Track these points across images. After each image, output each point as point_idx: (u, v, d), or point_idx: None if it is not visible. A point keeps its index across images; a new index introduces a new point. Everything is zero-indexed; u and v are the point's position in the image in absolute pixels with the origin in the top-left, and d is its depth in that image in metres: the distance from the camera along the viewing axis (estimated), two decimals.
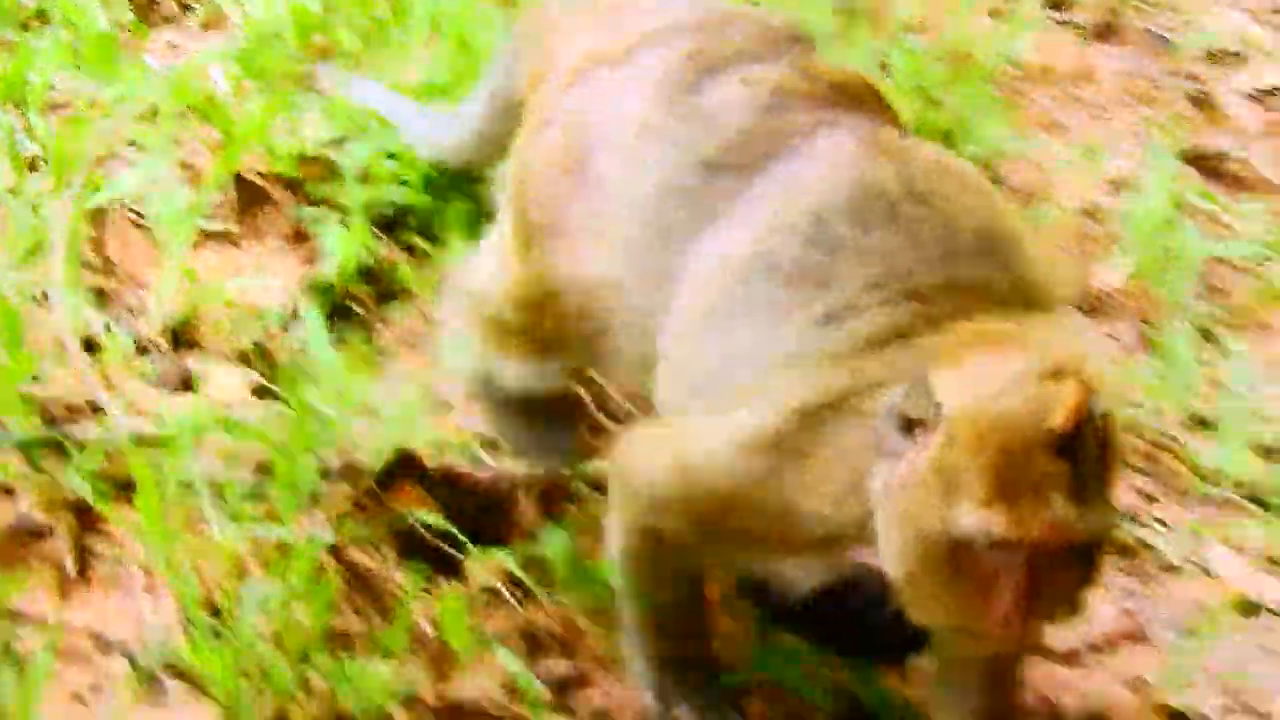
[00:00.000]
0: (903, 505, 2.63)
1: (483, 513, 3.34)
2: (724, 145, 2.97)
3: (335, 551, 3.12)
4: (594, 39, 3.22)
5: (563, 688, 3.14)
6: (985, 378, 2.63)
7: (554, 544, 3.25)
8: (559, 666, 3.17)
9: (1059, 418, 2.53)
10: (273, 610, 2.93)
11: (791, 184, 2.91)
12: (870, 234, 2.82)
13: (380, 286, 3.75)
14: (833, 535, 2.78)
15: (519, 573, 3.23)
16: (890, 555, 2.67)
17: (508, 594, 3.23)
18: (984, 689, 3.05)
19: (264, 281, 3.63)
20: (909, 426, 2.61)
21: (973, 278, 2.81)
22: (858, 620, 3.11)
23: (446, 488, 3.33)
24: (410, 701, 2.99)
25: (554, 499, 3.40)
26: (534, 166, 3.16)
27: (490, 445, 3.42)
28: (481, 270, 3.32)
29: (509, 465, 3.40)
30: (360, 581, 3.15)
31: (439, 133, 3.84)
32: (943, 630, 2.78)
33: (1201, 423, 3.91)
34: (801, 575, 2.93)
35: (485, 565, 3.22)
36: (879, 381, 2.71)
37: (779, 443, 2.77)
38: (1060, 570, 2.61)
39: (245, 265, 3.71)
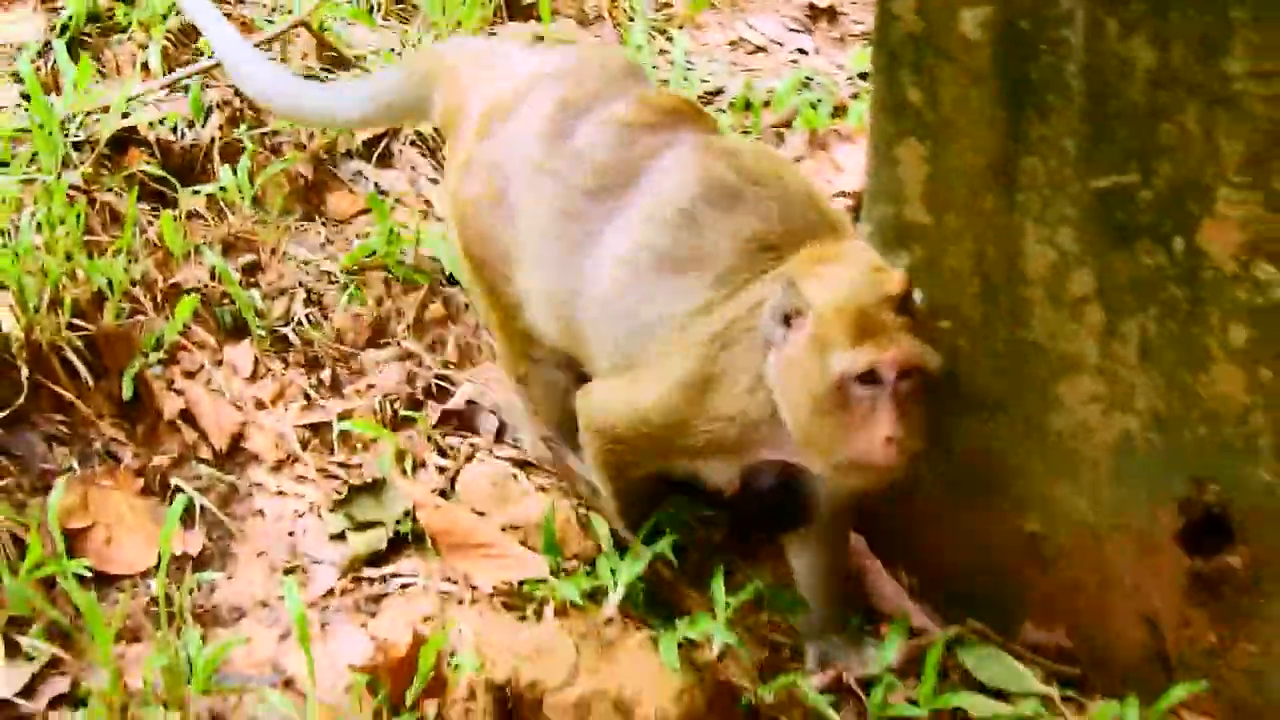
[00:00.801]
0: (791, 374, 3.39)
1: (185, 165, 4.85)
2: (597, 175, 3.73)
3: (86, 193, 4.57)
4: (492, 89, 3.99)
5: (249, 270, 4.70)
6: (834, 275, 3.43)
7: (235, 180, 4.78)
8: (246, 259, 4.71)
9: (895, 285, 3.39)
10: (44, 228, 4.37)
11: (655, 192, 3.66)
12: (724, 213, 3.59)
13: (103, 25, 5.19)
14: (746, 432, 3.52)
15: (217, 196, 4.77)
16: (790, 418, 3.42)
17: (209, 215, 4.77)
18: (828, 547, 3.88)
19: (21, 27, 5.05)
20: (786, 320, 3.40)
21: (803, 224, 3.59)
22: (761, 500, 3.74)
23: (160, 149, 4.83)
24: (145, 283, 4.48)
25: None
26: (469, 204, 3.92)
27: None
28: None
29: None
30: (106, 211, 4.60)
31: (280, 89, 4.70)
32: (835, 471, 3.46)
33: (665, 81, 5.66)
34: (723, 470, 3.68)
35: (190, 198, 4.73)
36: (758, 301, 3.48)
37: (700, 370, 3.53)
38: (915, 402, 3.35)
39: (9, 18, 5.13)
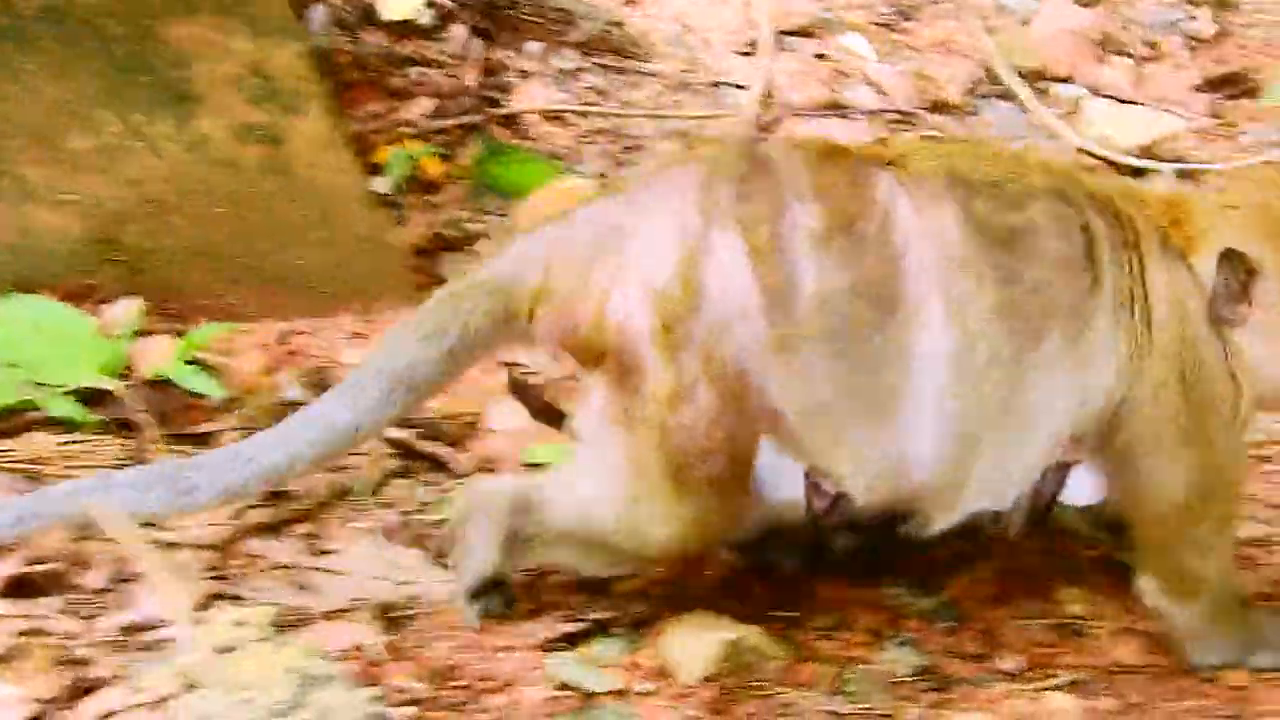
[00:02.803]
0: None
1: None
2: (863, 291, 2.98)
3: None
4: (638, 281, 2.98)
5: None
6: (1234, 220, 3.11)
7: None
8: None
9: None
10: None
11: (927, 269, 2.96)
12: (1014, 243, 2.98)
13: None
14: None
15: None
16: None
17: None
18: None
19: None
20: (1241, 293, 3.05)
21: (1089, 193, 3.09)
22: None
23: None
24: None
25: None
26: (694, 425, 2.97)
27: None
28: None
29: None
30: None
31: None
32: None
33: None
34: None
35: None
36: (1173, 298, 3.05)
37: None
38: None
39: None
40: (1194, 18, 6.39)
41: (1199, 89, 5.95)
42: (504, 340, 3.15)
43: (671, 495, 3.00)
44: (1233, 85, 6.00)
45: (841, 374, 2.94)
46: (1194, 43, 6.27)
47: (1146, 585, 3.17)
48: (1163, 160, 5.36)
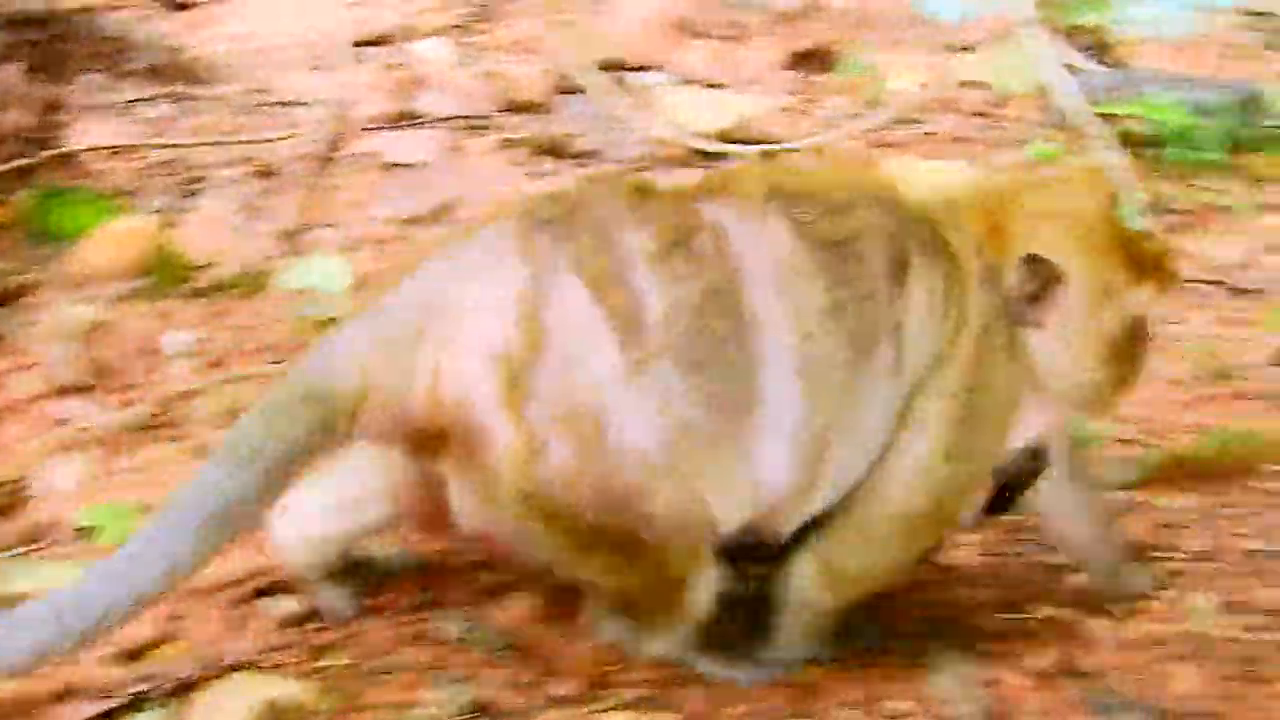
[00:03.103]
0: (1072, 341, 3.12)
1: None
2: (699, 324, 2.93)
3: None
4: (475, 341, 2.86)
5: None
6: (1047, 225, 3.12)
7: None
8: None
9: (1102, 196, 3.21)
10: None
11: (760, 298, 2.94)
12: (837, 264, 2.98)
13: None
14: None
15: None
16: (1073, 379, 3.13)
17: None
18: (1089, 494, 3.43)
19: None
20: (1036, 297, 3.07)
21: (902, 211, 3.09)
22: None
23: None
24: None
25: None
26: (564, 472, 2.85)
27: None
28: None
29: None
30: None
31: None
32: (1110, 407, 3.27)
33: None
34: None
35: None
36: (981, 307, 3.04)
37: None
38: None
39: None
40: None
41: (783, 66, 6.00)
42: (326, 449, 2.92)
43: (591, 547, 2.92)
44: (815, 60, 6.06)
45: (698, 390, 2.86)
46: (781, 19, 6.32)
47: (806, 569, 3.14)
48: (743, 142, 5.37)
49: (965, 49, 6.04)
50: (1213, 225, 5.12)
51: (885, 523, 3.08)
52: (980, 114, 5.69)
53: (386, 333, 2.88)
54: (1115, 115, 5.32)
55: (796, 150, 5.28)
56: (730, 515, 2.95)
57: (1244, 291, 4.79)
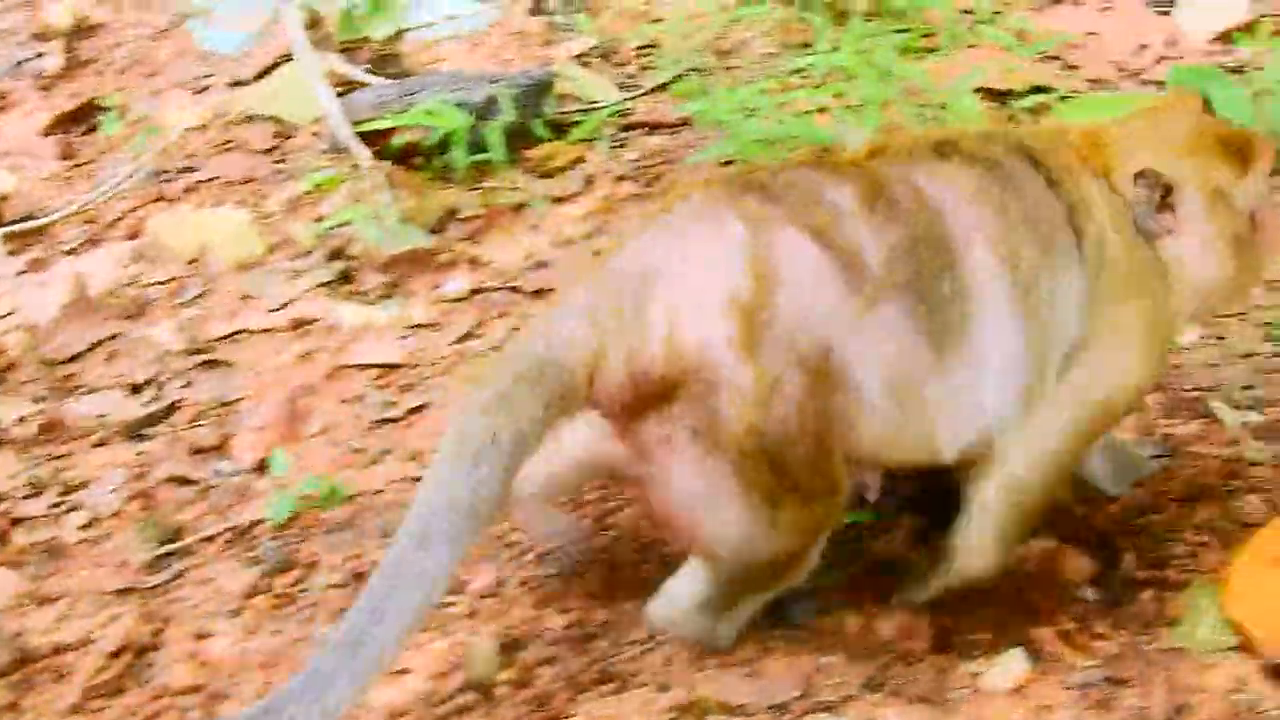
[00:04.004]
0: (1209, 240, 3.40)
1: None
2: (900, 262, 3.22)
3: None
4: (699, 294, 3.07)
5: None
6: (1149, 138, 3.44)
7: None
8: None
9: (1192, 102, 3.56)
10: None
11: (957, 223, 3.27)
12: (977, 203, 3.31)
13: None
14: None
15: None
16: (1216, 276, 3.41)
17: None
18: None
19: None
20: (1162, 206, 3.35)
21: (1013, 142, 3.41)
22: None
23: None
24: None
25: None
26: (785, 418, 3.06)
27: None
28: None
29: None
30: None
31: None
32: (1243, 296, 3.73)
33: None
34: None
35: None
36: (1102, 222, 3.32)
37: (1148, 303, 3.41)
38: None
39: None
40: (43, 54, 5.89)
41: (45, 132, 5.44)
42: (558, 423, 3.08)
43: (782, 495, 3.09)
44: (81, 119, 5.53)
45: (922, 323, 3.11)
46: (43, 82, 5.76)
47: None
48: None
49: (242, 82, 5.58)
50: (504, 226, 4.82)
51: (1064, 429, 3.30)
52: (266, 150, 5.26)
53: (612, 299, 3.05)
54: (393, 129, 4.94)
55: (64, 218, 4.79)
56: (955, 440, 3.22)
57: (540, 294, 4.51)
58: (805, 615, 3.42)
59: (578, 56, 5.63)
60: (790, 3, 5.61)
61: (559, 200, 4.90)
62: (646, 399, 3.03)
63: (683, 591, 3.30)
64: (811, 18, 5.50)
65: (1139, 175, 3.33)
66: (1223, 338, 4.19)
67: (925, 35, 5.48)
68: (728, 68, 5.49)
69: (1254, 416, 3.94)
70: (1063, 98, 5.16)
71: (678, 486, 3.08)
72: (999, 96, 5.19)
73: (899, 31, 5.39)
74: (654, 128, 5.23)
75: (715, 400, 3.00)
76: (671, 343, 3.00)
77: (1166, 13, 5.64)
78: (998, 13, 5.63)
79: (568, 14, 5.85)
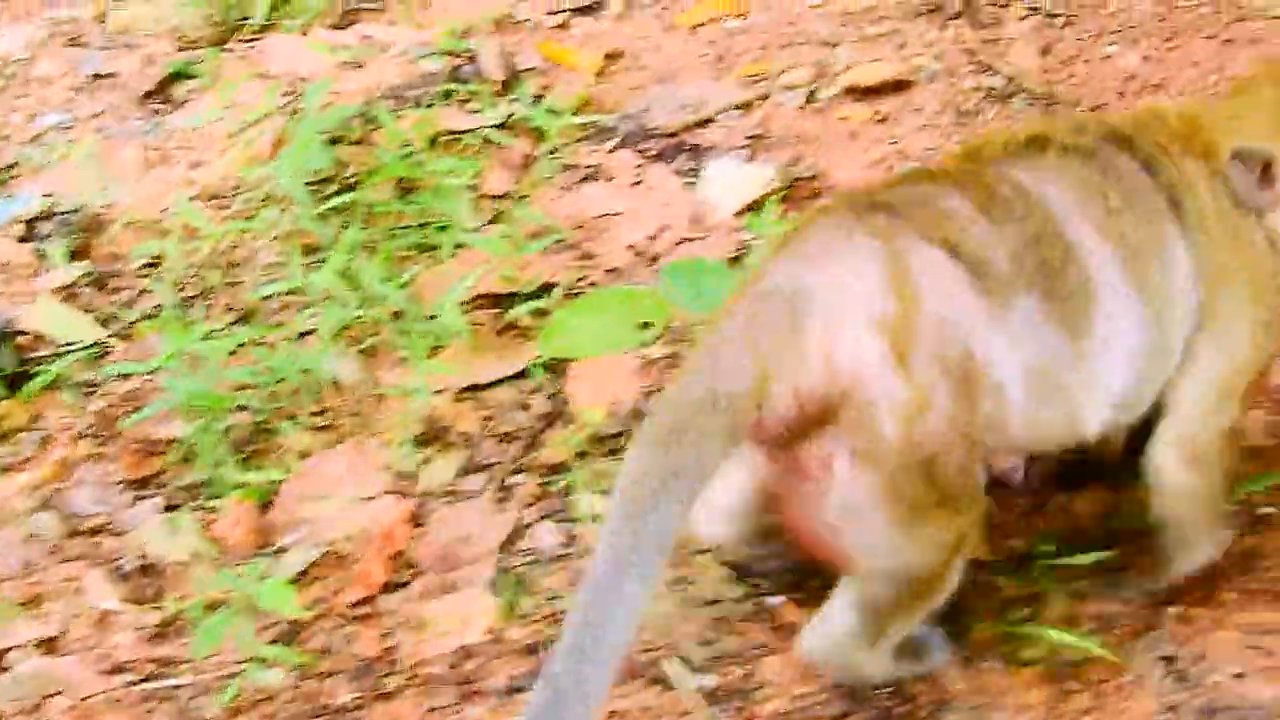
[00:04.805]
0: None
1: None
2: (1022, 262, 3.39)
3: None
4: (852, 310, 3.22)
5: None
6: (1244, 114, 3.57)
7: None
8: None
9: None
10: None
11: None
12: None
13: None
14: None
15: None
16: None
17: None
18: None
19: None
20: (1264, 181, 3.46)
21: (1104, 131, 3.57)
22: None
23: None
24: None
25: None
26: (936, 430, 3.20)
27: None
28: None
29: None
30: None
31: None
32: None
33: None
34: None
35: None
36: (1201, 203, 3.50)
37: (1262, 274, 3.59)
38: None
39: None
40: None
41: None
42: (730, 455, 3.14)
43: (930, 507, 3.20)
44: None
45: (1053, 316, 3.26)
46: None
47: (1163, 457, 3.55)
48: None
49: None
50: None
51: (1218, 384, 3.47)
52: None
53: (767, 328, 3.15)
54: None
55: None
56: (1096, 417, 3.41)
57: None
58: (941, 654, 3.55)
59: (64, 288, 5.12)
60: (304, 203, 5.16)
61: (5, 470, 4.44)
62: (809, 421, 3.13)
63: (833, 620, 3.38)
64: (315, 226, 5.09)
65: (1236, 153, 3.46)
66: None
67: (440, 229, 5.11)
68: (230, 283, 5.06)
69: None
70: (568, 294, 4.82)
71: (835, 505, 3.19)
72: (501, 300, 4.84)
73: (400, 231, 5.03)
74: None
75: (874, 417, 3.11)
76: (829, 367, 3.10)
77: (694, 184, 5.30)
78: (524, 196, 5.28)
79: (59, 237, 5.31)
